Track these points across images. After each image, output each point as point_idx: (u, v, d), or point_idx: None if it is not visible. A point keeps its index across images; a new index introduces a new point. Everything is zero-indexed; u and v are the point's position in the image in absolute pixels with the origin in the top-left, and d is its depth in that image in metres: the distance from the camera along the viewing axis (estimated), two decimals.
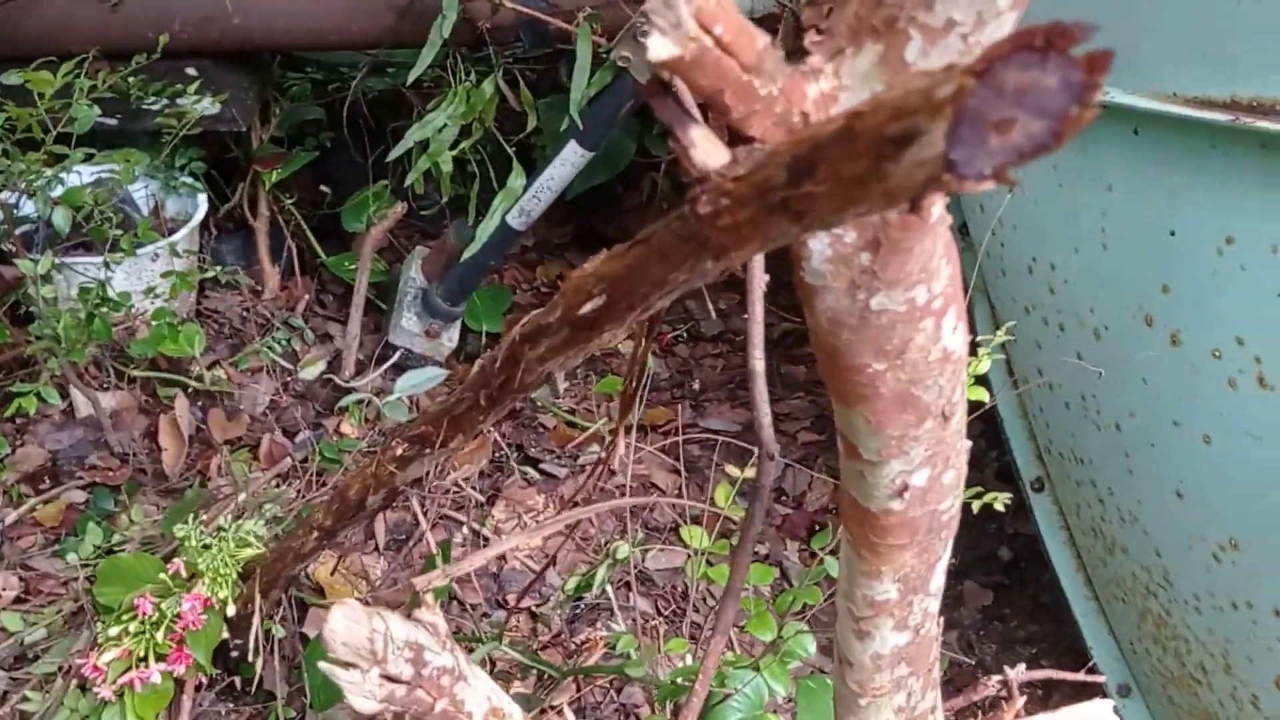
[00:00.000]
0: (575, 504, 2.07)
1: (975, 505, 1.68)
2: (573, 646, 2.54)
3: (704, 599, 2.62)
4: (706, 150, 0.83)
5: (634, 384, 1.15)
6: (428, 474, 1.51)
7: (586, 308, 1.02)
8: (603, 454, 2.67)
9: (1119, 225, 1.91)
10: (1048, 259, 2.06)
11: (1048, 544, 2.40)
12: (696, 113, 0.85)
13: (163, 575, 2.22)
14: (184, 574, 2.25)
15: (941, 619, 1.34)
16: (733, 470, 1.94)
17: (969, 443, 1.25)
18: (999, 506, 1.67)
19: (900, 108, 0.64)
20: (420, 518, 2.70)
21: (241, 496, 2.45)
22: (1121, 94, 1.82)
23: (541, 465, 2.92)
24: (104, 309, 2.36)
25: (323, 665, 1.08)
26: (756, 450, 1.37)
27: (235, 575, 2.17)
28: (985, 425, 2.95)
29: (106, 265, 2.41)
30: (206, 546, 2.21)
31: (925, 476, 1.09)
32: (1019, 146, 0.60)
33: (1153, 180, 1.83)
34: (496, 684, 1.20)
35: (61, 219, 2.37)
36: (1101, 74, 0.59)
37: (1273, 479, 1.76)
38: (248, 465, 2.85)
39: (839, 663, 1.35)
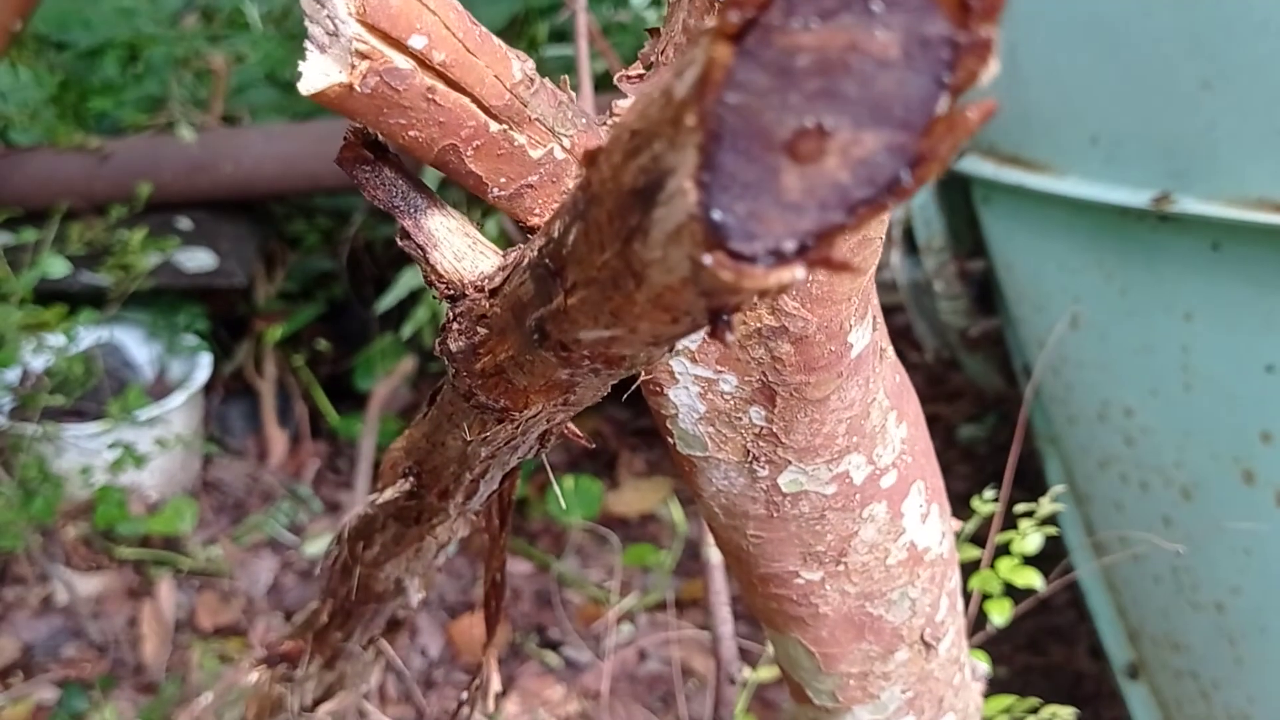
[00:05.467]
0: None
1: None
2: None
3: None
4: (456, 251, 0.53)
5: (493, 599, 0.84)
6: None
7: (389, 494, 0.72)
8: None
9: (1203, 361, 1.56)
10: (1122, 403, 1.72)
11: None
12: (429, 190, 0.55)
13: None
14: None
15: None
16: (751, 673, 1.58)
17: (984, 667, 0.91)
18: None
19: (639, 130, 0.33)
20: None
21: (207, 697, 2.15)
22: (1195, 202, 1.49)
23: (563, 649, 2.59)
24: (46, 486, 2.10)
25: None
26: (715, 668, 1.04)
27: None
28: (1073, 594, 2.57)
29: (46, 436, 2.16)
30: None
31: None
32: (845, 189, 0.29)
33: (1240, 304, 1.50)
34: None
35: None
36: (991, 21, 0.27)
37: None
38: (238, 655, 2.56)
39: None
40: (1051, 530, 1.29)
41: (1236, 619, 1.63)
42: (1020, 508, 1.31)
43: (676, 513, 2.77)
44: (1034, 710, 1.32)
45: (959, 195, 2.00)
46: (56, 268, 2.32)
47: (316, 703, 1.19)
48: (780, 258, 0.29)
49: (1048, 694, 2.48)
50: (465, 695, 0.92)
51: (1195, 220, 1.50)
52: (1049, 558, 1.43)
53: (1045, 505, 1.27)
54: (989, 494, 1.37)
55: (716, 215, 0.29)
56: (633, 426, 3.27)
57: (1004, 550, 1.35)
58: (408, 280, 2.52)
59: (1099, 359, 1.75)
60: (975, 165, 1.87)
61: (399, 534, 0.80)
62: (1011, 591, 1.36)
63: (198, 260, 2.78)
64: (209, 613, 2.66)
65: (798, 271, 0.29)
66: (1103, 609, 2.04)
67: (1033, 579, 1.29)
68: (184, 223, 2.75)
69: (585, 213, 0.36)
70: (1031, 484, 1.82)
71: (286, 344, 3.04)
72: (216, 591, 2.72)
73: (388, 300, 2.60)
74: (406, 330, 2.64)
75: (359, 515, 0.82)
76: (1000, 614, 1.30)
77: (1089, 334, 1.75)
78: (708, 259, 0.29)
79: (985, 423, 3.10)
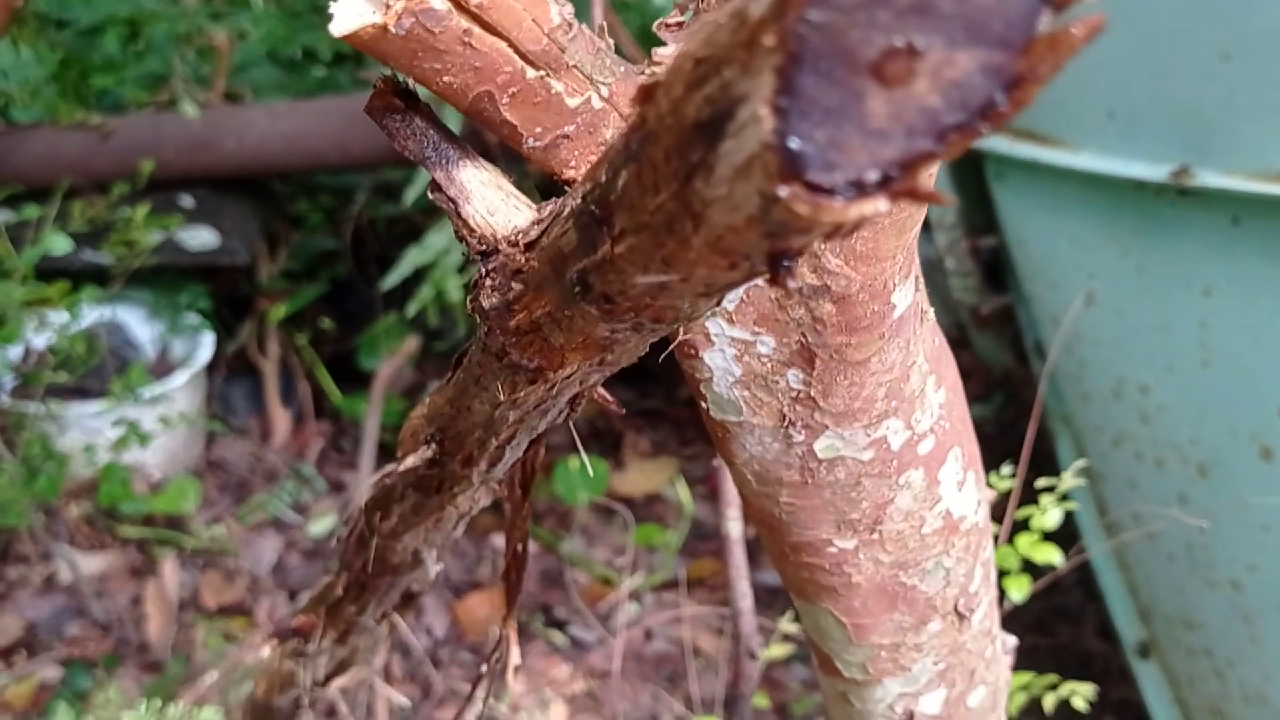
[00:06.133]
0: None
1: (1049, 702, 1.30)
2: None
3: None
4: (489, 204, 0.51)
5: (514, 570, 0.82)
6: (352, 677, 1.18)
7: (410, 462, 0.70)
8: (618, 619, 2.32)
9: (1222, 337, 1.55)
10: (1137, 380, 1.70)
11: None
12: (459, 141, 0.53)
13: None
14: None
15: None
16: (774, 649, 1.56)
17: (1013, 639, 0.89)
18: (1079, 703, 1.29)
19: (705, 57, 0.31)
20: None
21: (212, 675, 2.14)
22: (1214, 176, 1.47)
23: (569, 628, 2.58)
24: (50, 464, 2.09)
25: None
26: (732, 645, 1.03)
27: None
28: (1081, 573, 2.55)
29: (49, 415, 2.15)
30: None
31: (940, 700, 0.74)
32: (935, 114, 0.27)
33: (1260, 280, 1.48)
34: None
35: None
36: None
37: None
38: (243, 634, 2.54)
39: None
40: (1072, 505, 1.28)
41: (1253, 597, 1.62)
42: (1041, 482, 1.30)
43: (683, 493, 2.76)
44: (1053, 687, 1.31)
45: (971, 171, 1.98)
46: (59, 245, 2.30)
47: (329, 677, 1.18)
48: (861, 189, 0.27)
49: (1056, 674, 2.47)
50: (484, 668, 0.91)
51: (1214, 194, 1.49)
52: (1059, 537, 1.41)
53: (1066, 480, 1.26)
54: (1006, 470, 1.35)
55: (794, 144, 0.27)
56: (638, 407, 3.25)
57: (1020, 527, 1.34)
58: (411, 259, 2.50)
59: (1114, 336, 1.73)
60: (988, 140, 1.85)
61: (419, 504, 0.78)
62: (1025, 568, 1.34)
63: (200, 239, 2.76)
64: (213, 592, 2.65)
65: (880, 204, 0.27)
66: (1114, 588, 2.03)
67: (1052, 555, 1.28)
68: (186, 201, 2.72)
69: (639, 153, 0.34)
70: (1042, 462, 1.80)
71: (289, 323, 3.02)
72: (220, 571, 2.71)
73: (391, 279, 2.57)
74: (410, 309, 2.62)
75: (377, 485, 0.80)
76: (1019, 590, 1.28)
77: (1104, 311, 1.73)
78: (783, 191, 0.28)
79: (992, 402, 3.09)
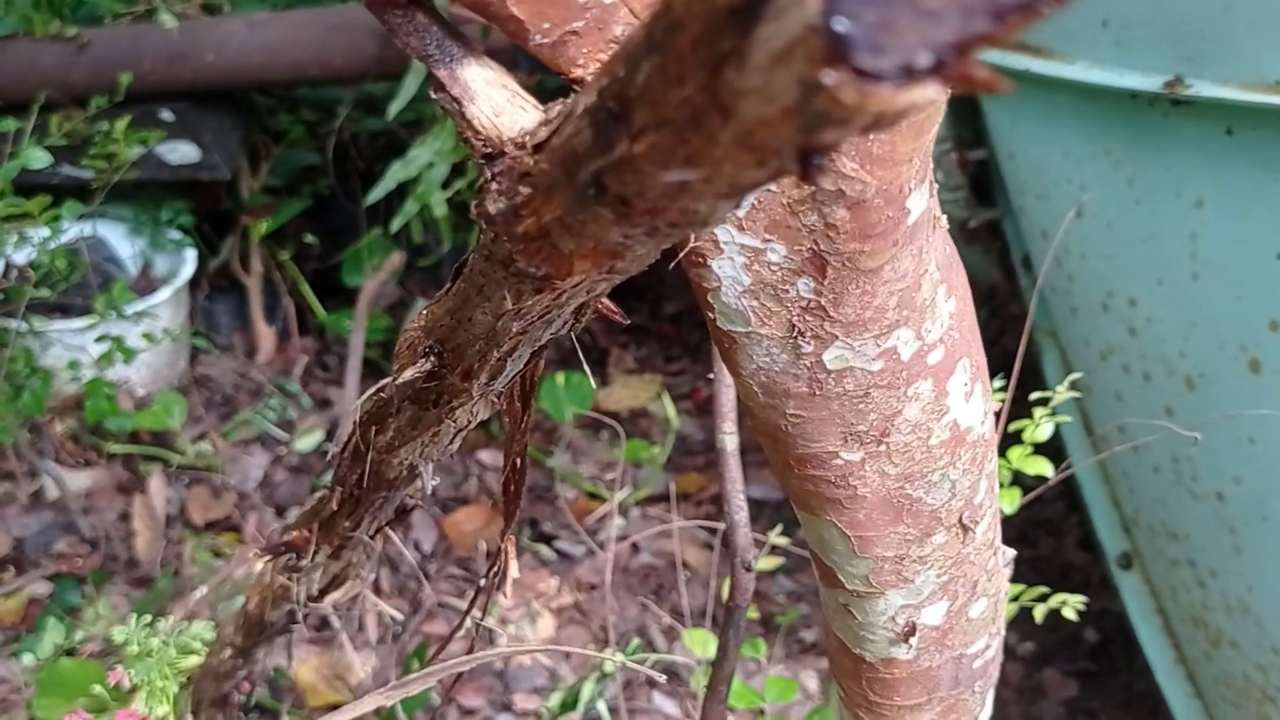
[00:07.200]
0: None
1: (1039, 611, 1.32)
2: None
3: None
4: (495, 104, 0.50)
5: (513, 483, 0.82)
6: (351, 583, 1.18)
7: (407, 375, 0.69)
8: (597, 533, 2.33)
9: (1212, 249, 1.54)
10: (1126, 293, 1.70)
11: (1140, 631, 2.01)
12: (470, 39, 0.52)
13: (99, 687, 1.92)
14: (127, 685, 1.95)
15: None
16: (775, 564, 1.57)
17: (1012, 552, 0.89)
18: (1069, 614, 1.30)
19: None
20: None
21: (200, 591, 2.14)
22: (1208, 86, 1.46)
23: (556, 543, 2.59)
24: (34, 380, 2.07)
25: None
26: (729, 559, 1.03)
27: (177, 688, 1.86)
28: (1063, 485, 2.56)
29: (32, 331, 2.13)
30: (149, 653, 1.90)
31: (942, 612, 0.74)
32: None
33: (1252, 191, 1.47)
34: None
35: None
36: None
37: None
38: (231, 550, 2.55)
39: None
40: (1064, 419, 1.28)
41: (1237, 508, 1.63)
42: (1033, 396, 1.30)
43: (669, 408, 2.76)
44: (1043, 598, 1.32)
45: None
46: (37, 159, 2.26)
47: (322, 592, 1.18)
48: (910, 75, 0.26)
49: (1037, 585, 2.49)
50: (483, 581, 0.91)
51: (1208, 105, 1.47)
52: (1044, 449, 1.42)
53: (1060, 394, 1.26)
54: (997, 383, 1.35)
55: (840, 25, 0.26)
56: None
57: (1010, 440, 1.34)
58: (395, 174, 2.47)
59: (1104, 248, 1.72)
60: None
61: (416, 417, 0.78)
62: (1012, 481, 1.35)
63: (180, 153, 2.72)
64: (200, 508, 2.65)
65: (931, 90, 0.27)
66: (1098, 500, 2.05)
67: (1043, 468, 1.28)
68: (166, 114, 2.68)
69: (663, 43, 0.33)
70: (1026, 376, 1.81)
71: (272, 239, 3.00)
72: (207, 486, 2.71)
73: (375, 194, 2.55)
74: (394, 225, 2.59)
75: (373, 399, 0.79)
76: (1009, 504, 1.29)
77: (1094, 223, 1.72)
78: (829, 77, 0.27)
79: (978, 317, 3.09)
